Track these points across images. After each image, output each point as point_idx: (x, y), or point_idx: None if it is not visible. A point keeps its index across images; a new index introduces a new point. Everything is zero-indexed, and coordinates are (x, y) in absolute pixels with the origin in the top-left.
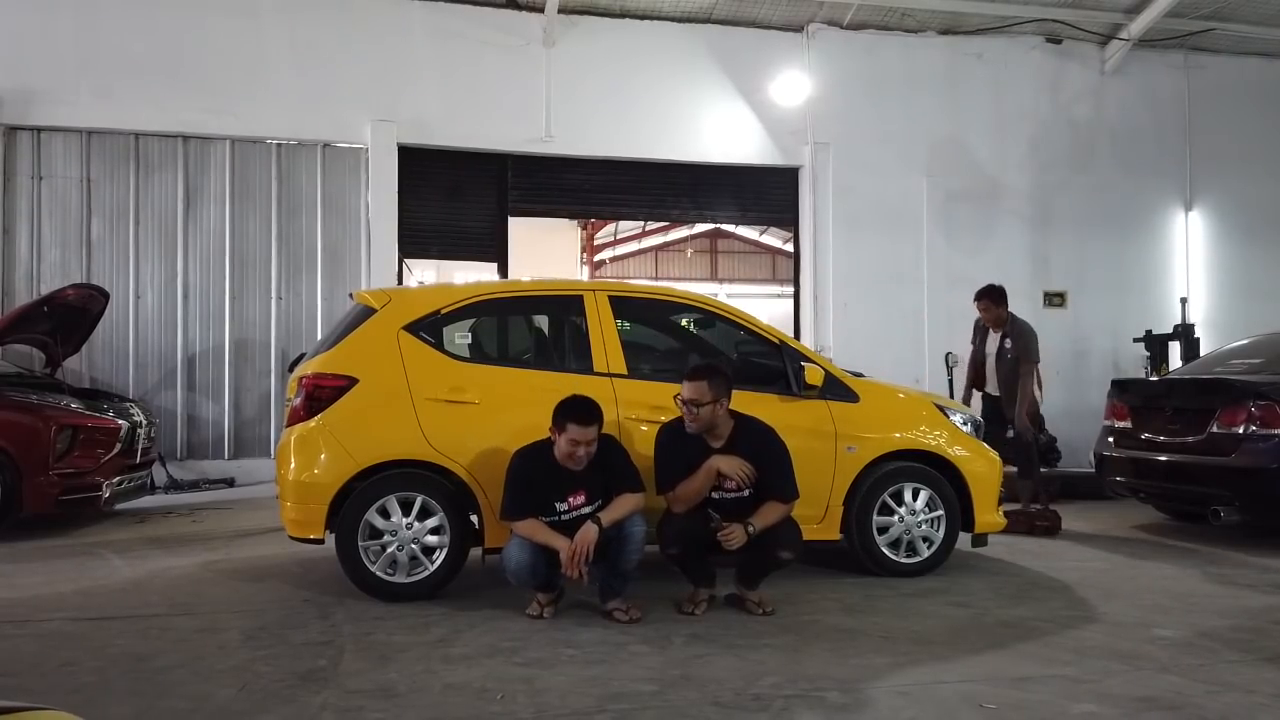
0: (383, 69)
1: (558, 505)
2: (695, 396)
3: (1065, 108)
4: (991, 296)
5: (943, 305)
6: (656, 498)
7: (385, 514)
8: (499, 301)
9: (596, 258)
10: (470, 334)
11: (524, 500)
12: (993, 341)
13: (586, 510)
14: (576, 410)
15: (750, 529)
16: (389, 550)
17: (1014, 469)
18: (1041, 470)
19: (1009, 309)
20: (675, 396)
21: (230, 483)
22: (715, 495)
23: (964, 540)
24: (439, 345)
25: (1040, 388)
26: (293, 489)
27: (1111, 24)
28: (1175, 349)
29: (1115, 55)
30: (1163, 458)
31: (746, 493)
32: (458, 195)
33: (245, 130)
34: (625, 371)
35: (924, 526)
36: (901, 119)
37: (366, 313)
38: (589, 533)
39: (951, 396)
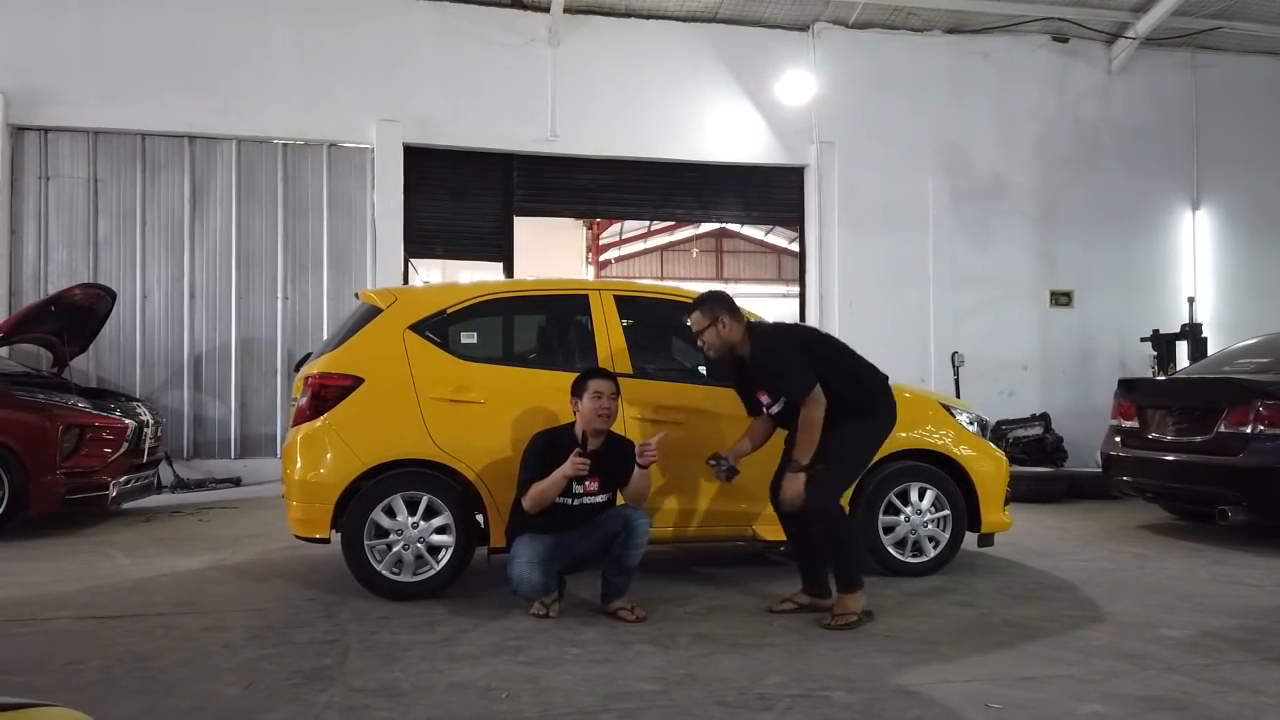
0: (388, 69)
1: (574, 487)
2: (696, 327)
3: (1071, 107)
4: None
5: (949, 304)
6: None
7: (391, 513)
8: (504, 301)
9: (602, 257)
10: (475, 333)
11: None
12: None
13: (600, 498)
14: (592, 371)
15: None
16: (395, 549)
17: None
18: (1047, 470)
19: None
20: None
21: (236, 482)
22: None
23: (970, 540)
24: (444, 345)
25: None
26: (299, 488)
27: (1118, 23)
28: (1182, 348)
29: (1122, 54)
30: (1169, 457)
31: (777, 408)
32: (463, 195)
33: (251, 130)
34: (630, 371)
35: (930, 526)
36: (907, 118)
37: (372, 312)
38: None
39: (958, 396)
